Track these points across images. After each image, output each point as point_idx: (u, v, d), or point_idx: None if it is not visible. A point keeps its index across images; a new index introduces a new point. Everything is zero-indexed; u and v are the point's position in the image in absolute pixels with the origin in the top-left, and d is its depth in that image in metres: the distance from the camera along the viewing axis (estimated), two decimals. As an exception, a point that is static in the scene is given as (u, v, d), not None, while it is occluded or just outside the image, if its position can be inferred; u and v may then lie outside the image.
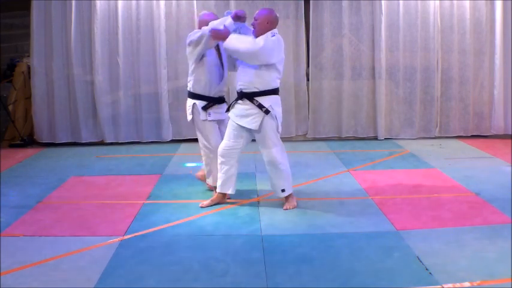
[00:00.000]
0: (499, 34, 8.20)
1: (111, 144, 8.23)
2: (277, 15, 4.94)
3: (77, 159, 7.36)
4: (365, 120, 8.44)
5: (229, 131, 5.01)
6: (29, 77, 8.27)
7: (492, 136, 8.40)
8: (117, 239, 4.35)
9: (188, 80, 5.19)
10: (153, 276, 3.70)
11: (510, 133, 8.21)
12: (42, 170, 6.79)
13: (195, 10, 8.19)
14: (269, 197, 5.45)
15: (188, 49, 5.05)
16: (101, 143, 8.24)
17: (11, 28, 9.56)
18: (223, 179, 5.07)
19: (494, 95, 8.33)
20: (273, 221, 4.77)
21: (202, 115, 5.11)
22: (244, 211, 5.05)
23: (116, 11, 8.08)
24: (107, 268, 3.82)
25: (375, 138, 8.42)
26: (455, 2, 8.27)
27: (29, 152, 7.89)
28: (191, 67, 5.11)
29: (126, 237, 4.42)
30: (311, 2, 8.26)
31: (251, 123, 4.86)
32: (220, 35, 4.80)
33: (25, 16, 8.39)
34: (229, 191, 5.13)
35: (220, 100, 5.22)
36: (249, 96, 4.83)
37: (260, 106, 4.79)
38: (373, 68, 8.32)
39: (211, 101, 5.13)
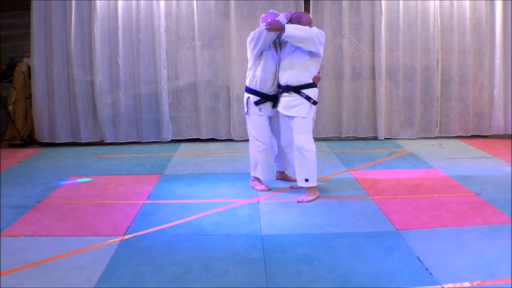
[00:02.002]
0: (499, 34, 8.20)
1: (111, 144, 8.23)
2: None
3: (77, 159, 7.36)
4: (365, 120, 8.44)
5: (283, 125, 5.47)
6: (29, 77, 8.27)
7: (492, 136, 8.40)
8: (117, 239, 4.35)
9: (246, 76, 5.58)
10: (153, 276, 3.70)
11: (510, 133, 8.22)
12: (42, 170, 6.79)
13: (195, 10, 8.20)
14: (269, 197, 5.46)
15: (249, 47, 5.42)
16: (101, 143, 8.24)
17: (11, 28, 9.56)
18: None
19: (494, 95, 8.33)
20: (273, 221, 4.77)
21: (254, 109, 5.49)
22: (244, 211, 5.05)
23: (116, 11, 8.08)
24: (106, 268, 3.82)
25: (375, 138, 8.43)
26: (455, 2, 8.27)
27: (29, 152, 7.89)
28: (249, 63, 5.50)
29: (126, 237, 4.42)
30: (311, 2, 8.27)
31: (299, 111, 5.26)
32: (275, 26, 5.17)
33: (25, 16, 8.39)
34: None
35: (273, 97, 5.49)
36: (295, 89, 5.23)
37: (308, 98, 5.24)
38: (373, 68, 8.32)
39: (264, 97, 5.46)
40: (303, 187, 5.38)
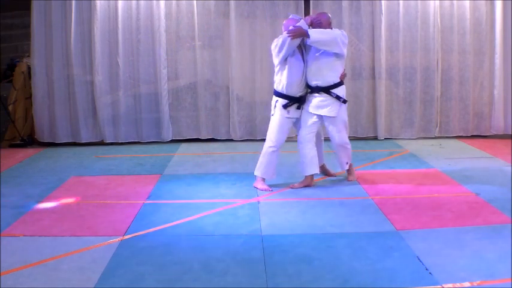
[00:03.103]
0: (499, 34, 8.20)
1: (111, 144, 8.23)
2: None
3: (77, 159, 7.36)
4: (365, 120, 8.44)
5: (305, 121, 5.65)
6: (29, 77, 8.27)
7: (492, 136, 8.40)
8: (117, 239, 4.36)
9: (274, 80, 5.71)
10: (153, 276, 3.70)
11: (510, 133, 8.21)
12: (42, 170, 6.79)
13: (195, 10, 8.20)
14: (269, 197, 5.46)
15: (273, 53, 5.56)
16: (101, 143, 8.24)
17: (11, 28, 9.56)
18: (307, 162, 5.66)
19: (494, 95, 8.33)
20: (273, 221, 4.77)
21: (282, 112, 5.61)
22: (244, 211, 5.05)
23: (116, 11, 8.08)
24: (107, 268, 3.82)
25: (375, 138, 8.43)
26: (455, 2, 8.27)
27: (29, 152, 7.89)
28: (276, 68, 5.63)
29: (126, 237, 4.42)
30: (311, 2, 8.27)
31: (330, 111, 5.57)
32: (298, 32, 5.35)
33: (25, 16, 8.40)
34: (315, 171, 5.73)
35: (300, 99, 5.64)
36: (325, 89, 5.49)
37: (338, 97, 5.53)
38: (373, 68, 8.32)
39: (292, 100, 5.60)
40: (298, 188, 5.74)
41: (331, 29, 5.64)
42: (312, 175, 5.76)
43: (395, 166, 6.72)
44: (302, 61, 5.59)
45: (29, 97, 8.34)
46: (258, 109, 8.37)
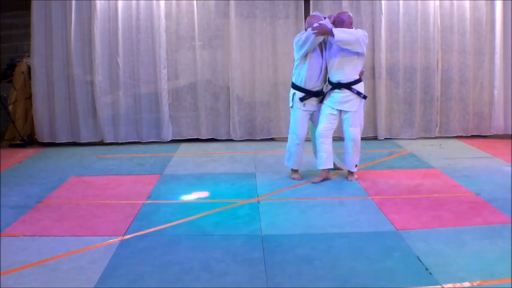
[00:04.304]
0: (499, 34, 8.20)
1: (111, 144, 8.23)
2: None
3: (77, 159, 7.36)
4: (365, 120, 8.35)
5: (325, 115, 5.84)
6: (29, 77, 8.27)
7: (492, 136, 8.39)
8: (117, 239, 4.36)
9: (292, 74, 5.97)
10: (153, 276, 3.71)
11: (510, 133, 8.21)
12: (42, 170, 6.79)
13: (195, 10, 8.20)
14: (269, 197, 5.46)
15: (295, 48, 5.83)
16: (101, 143, 8.24)
17: (11, 28, 9.56)
18: (325, 157, 5.87)
19: (494, 95, 8.33)
20: (273, 221, 4.77)
21: (299, 104, 5.86)
22: (244, 211, 5.05)
23: (116, 11, 8.08)
24: (107, 268, 3.83)
25: (375, 138, 8.42)
26: (455, 2, 8.27)
27: (29, 152, 7.89)
28: (295, 63, 5.89)
29: (126, 237, 4.42)
30: (311, 2, 8.26)
31: (351, 106, 5.79)
32: (322, 30, 5.57)
33: (25, 16, 8.39)
34: (331, 166, 5.96)
35: (317, 94, 5.89)
36: (346, 85, 5.72)
37: (358, 93, 5.76)
38: (373, 68, 8.32)
39: (309, 94, 5.84)
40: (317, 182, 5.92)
41: (353, 28, 5.85)
42: (328, 169, 5.97)
43: (395, 166, 6.72)
44: (321, 57, 5.83)
45: (29, 97, 8.34)
46: (258, 109, 8.37)
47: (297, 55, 5.83)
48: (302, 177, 6.05)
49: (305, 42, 5.66)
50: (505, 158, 6.92)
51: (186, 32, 8.27)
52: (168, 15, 8.17)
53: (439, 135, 8.46)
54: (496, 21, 8.21)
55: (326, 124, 5.83)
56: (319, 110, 5.95)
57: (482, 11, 8.26)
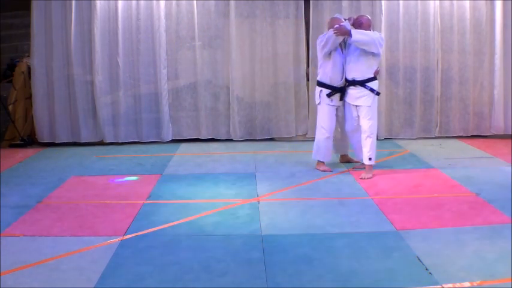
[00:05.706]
0: (499, 34, 8.20)
1: (111, 144, 8.23)
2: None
3: (77, 159, 7.36)
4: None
5: (349, 112, 6.28)
6: (29, 77, 8.27)
7: (492, 136, 8.39)
8: (117, 239, 4.36)
9: (317, 72, 6.41)
10: (153, 276, 3.70)
11: (510, 133, 8.21)
12: (42, 170, 6.79)
13: (195, 10, 8.20)
14: (269, 197, 5.46)
15: (318, 48, 6.29)
16: (101, 143, 8.23)
17: (11, 28, 9.56)
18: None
19: (494, 95, 8.32)
20: (273, 221, 4.77)
21: (326, 100, 6.27)
22: (244, 211, 5.05)
23: (116, 11, 8.08)
24: (106, 268, 3.82)
25: (375, 138, 8.42)
26: (455, 2, 8.27)
27: (29, 152, 7.89)
28: (320, 62, 6.33)
29: (126, 237, 4.42)
30: (311, 2, 8.27)
31: (365, 101, 6.12)
32: (342, 31, 6.00)
33: (25, 16, 8.39)
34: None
35: (341, 89, 6.27)
36: (361, 82, 6.09)
37: (372, 90, 6.09)
38: (373, 68, 8.31)
39: (334, 90, 6.23)
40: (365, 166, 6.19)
41: (371, 30, 6.27)
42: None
43: (395, 166, 6.72)
44: (342, 55, 6.26)
45: (29, 97, 8.34)
46: (258, 109, 8.37)
47: (320, 54, 6.26)
48: (332, 169, 6.39)
49: (327, 42, 6.09)
50: (505, 158, 6.92)
51: (186, 32, 8.27)
52: (168, 15, 8.17)
53: (439, 135, 8.46)
54: (496, 21, 8.21)
55: (353, 120, 6.27)
56: (342, 105, 6.35)
57: (482, 11, 8.26)
